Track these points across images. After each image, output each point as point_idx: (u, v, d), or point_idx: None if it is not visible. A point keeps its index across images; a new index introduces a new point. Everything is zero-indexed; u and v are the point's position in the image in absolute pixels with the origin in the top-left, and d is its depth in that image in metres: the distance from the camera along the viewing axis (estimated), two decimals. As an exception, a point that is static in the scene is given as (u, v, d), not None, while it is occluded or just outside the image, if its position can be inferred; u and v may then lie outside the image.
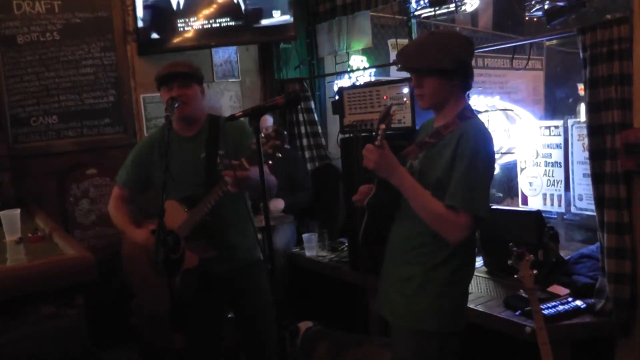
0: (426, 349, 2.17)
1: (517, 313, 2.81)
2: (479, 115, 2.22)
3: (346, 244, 4.11)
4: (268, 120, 4.52)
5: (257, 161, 2.19)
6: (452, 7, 3.96)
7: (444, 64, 2.06)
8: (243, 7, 4.48)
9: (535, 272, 2.36)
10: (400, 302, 2.22)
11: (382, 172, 2.06)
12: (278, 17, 4.54)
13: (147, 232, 2.72)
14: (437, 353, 2.17)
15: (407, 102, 3.32)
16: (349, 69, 4.88)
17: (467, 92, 2.26)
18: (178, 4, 4.45)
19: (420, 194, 2.06)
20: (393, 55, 5.28)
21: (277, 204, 4.26)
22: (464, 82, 2.16)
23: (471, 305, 2.91)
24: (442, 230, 2.06)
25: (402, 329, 2.23)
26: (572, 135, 3.46)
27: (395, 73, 5.19)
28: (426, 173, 2.13)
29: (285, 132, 2.34)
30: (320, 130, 5.02)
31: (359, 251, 3.59)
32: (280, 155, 2.27)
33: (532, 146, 3.70)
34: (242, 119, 2.24)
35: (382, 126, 2.00)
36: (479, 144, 2.06)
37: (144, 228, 2.76)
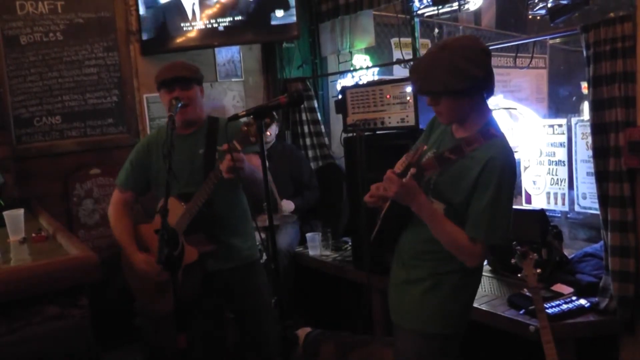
0: (427, 350, 2.17)
1: (521, 312, 2.81)
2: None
3: (350, 243, 4.11)
4: None
5: (248, 141, 2.23)
6: (455, 5, 3.95)
7: (459, 86, 1.96)
8: (246, 7, 4.48)
9: (539, 270, 2.36)
10: (406, 303, 2.22)
11: (401, 201, 2.01)
12: (281, 17, 4.54)
13: (146, 259, 2.74)
14: (438, 355, 2.17)
15: (410, 101, 3.32)
16: (352, 68, 4.88)
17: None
18: (181, 3, 4.45)
19: (440, 222, 2.03)
20: (396, 54, 5.29)
21: (288, 205, 4.27)
22: (485, 94, 2.07)
23: (475, 304, 2.88)
24: (459, 257, 2.05)
25: (406, 330, 2.22)
26: (575, 133, 3.45)
27: (398, 72, 5.19)
28: (443, 192, 2.08)
29: (274, 113, 2.35)
30: (323, 130, 5.01)
31: (363, 250, 3.59)
32: (269, 133, 2.29)
33: (535, 145, 3.69)
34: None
35: (413, 170, 1.95)
36: (506, 174, 2.00)
37: (145, 254, 2.79)
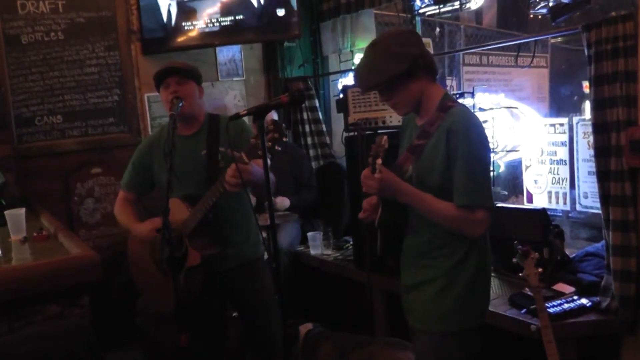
0: (450, 349, 2.15)
1: (522, 311, 2.81)
2: (469, 106, 2.17)
3: (351, 243, 4.11)
4: (273, 114, 4.49)
5: (256, 155, 2.20)
6: (456, 4, 3.95)
7: (401, 68, 2.02)
8: (247, 6, 4.48)
9: (540, 270, 2.36)
10: (421, 305, 2.19)
11: (386, 195, 2.04)
12: (282, 16, 4.54)
13: (149, 226, 2.74)
14: (462, 352, 2.16)
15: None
16: (353, 67, 4.87)
17: (436, 77, 2.19)
18: (182, 2, 4.45)
19: (430, 204, 2.04)
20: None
21: (283, 202, 4.27)
22: (428, 71, 2.10)
23: (476, 304, 2.91)
24: (462, 230, 2.05)
25: (424, 332, 2.20)
26: (577, 132, 3.44)
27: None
28: (424, 178, 2.09)
29: (283, 125, 2.33)
30: (324, 129, 5.02)
31: (364, 250, 3.59)
32: (279, 148, 2.27)
33: (537, 144, 3.68)
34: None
35: (379, 161, 1.98)
36: (470, 134, 2.02)
37: (147, 222, 2.78)
